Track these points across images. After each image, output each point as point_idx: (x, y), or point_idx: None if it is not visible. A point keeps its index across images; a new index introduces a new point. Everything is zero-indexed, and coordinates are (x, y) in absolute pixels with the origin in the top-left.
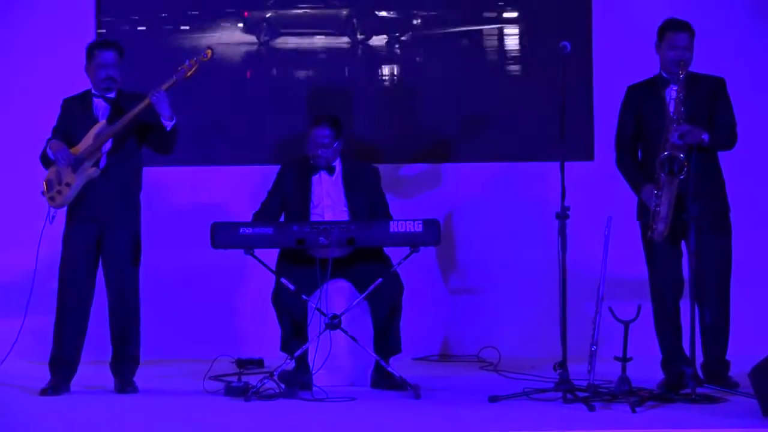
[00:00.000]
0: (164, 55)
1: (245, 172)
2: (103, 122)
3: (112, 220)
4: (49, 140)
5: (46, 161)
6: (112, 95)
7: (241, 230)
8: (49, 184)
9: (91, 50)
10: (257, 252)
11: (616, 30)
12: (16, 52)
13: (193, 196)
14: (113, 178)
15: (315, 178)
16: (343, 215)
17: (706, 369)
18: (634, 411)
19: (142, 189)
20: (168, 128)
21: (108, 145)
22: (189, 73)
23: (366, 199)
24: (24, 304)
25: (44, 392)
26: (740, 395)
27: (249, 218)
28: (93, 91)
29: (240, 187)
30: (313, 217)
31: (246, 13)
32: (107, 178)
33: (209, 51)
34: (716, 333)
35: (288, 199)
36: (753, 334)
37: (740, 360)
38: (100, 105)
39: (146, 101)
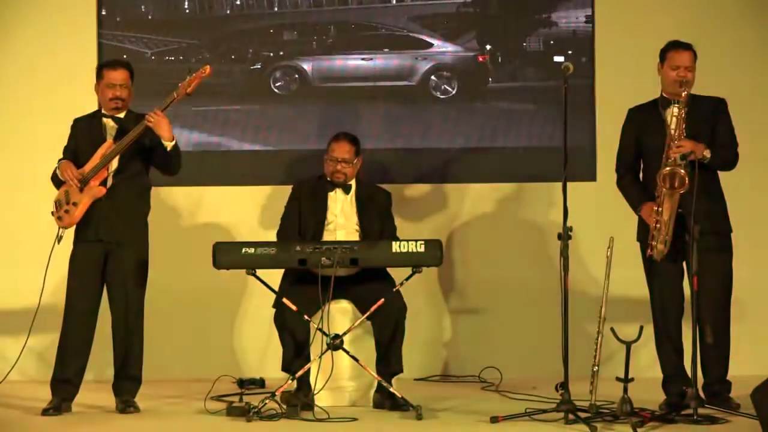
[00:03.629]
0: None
1: (250, 192)
2: (110, 141)
3: (117, 240)
4: (59, 160)
5: (56, 181)
6: (120, 115)
7: (243, 250)
8: (58, 204)
9: (100, 70)
10: (260, 272)
11: (618, 52)
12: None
13: (196, 215)
14: (119, 198)
15: (331, 195)
16: (355, 236)
17: (707, 389)
18: None
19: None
20: (168, 149)
21: (114, 165)
22: (189, 89)
23: (377, 221)
24: (28, 325)
25: (46, 412)
26: (742, 416)
27: (253, 238)
28: (102, 111)
29: (245, 207)
30: (326, 236)
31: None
32: (113, 199)
33: (207, 67)
34: (717, 353)
35: (303, 217)
36: (754, 355)
37: (742, 380)
38: (108, 125)
39: (143, 124)
